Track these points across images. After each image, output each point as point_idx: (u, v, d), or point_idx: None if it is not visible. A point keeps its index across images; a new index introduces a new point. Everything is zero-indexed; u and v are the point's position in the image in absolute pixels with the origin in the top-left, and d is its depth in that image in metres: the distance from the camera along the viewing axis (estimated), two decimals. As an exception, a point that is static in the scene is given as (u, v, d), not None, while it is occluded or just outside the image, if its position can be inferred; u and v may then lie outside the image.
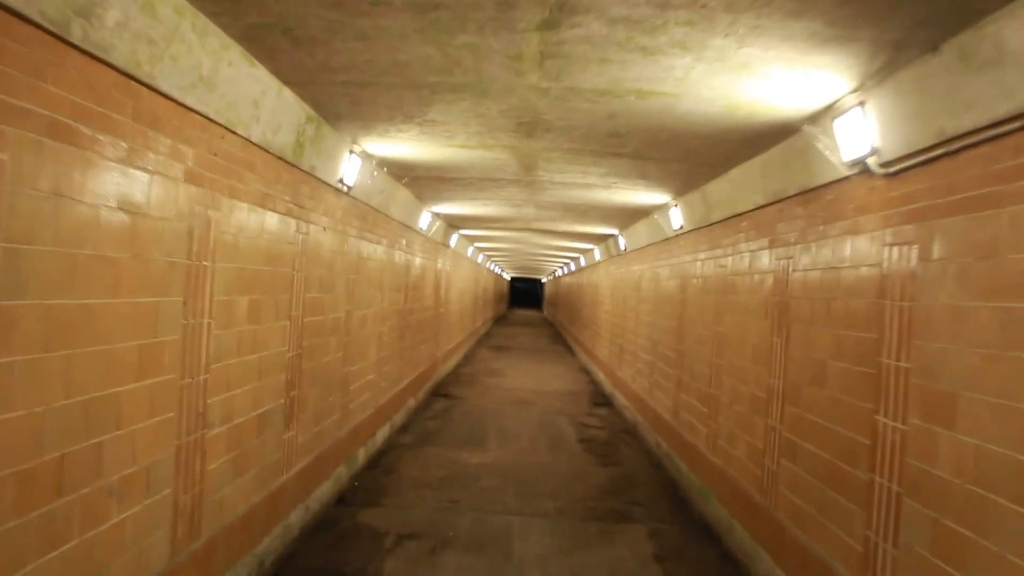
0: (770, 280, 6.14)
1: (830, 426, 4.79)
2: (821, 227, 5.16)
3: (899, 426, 3.93)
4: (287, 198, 5.75)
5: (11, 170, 2.75)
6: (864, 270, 4.46)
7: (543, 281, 59.89)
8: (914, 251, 3.92)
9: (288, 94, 5.15)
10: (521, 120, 5.70)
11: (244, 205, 4.92)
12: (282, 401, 5.89)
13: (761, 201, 6.41)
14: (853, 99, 4.32)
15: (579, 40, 3.85)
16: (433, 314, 15.03)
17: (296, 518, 6.33)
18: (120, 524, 3.59)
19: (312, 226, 6.43)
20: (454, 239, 16.85)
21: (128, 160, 3.51)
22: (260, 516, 5.51)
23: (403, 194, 9.92)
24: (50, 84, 2.93)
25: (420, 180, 9.21)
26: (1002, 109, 3.12)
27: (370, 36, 3.96)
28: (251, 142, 4.92)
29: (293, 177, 5.84)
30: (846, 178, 4.74)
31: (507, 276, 55.09)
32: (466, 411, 13.41)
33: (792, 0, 3.18)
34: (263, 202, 5.27)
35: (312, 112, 5.68)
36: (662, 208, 9.96)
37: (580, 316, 25.01)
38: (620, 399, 14.20)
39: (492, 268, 35.48)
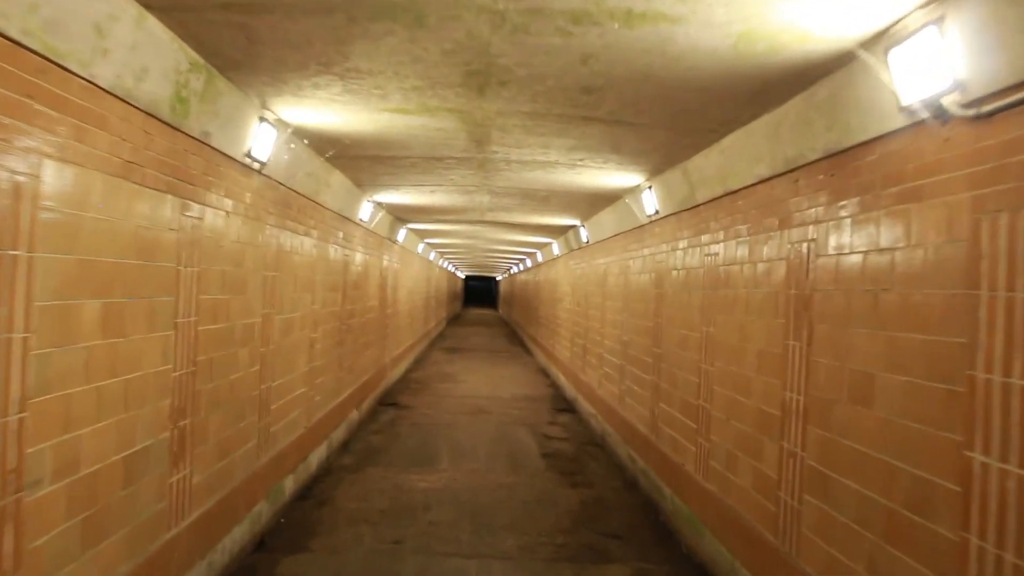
0: (781, 270, 4.98)
1: (885, 459, 3.63)
2: (862, 197, 4.00)
3: (1014, 470, 2.77)
4: (166, 170, 4.39)
5: None
6: (938, 250, 3.30)
7: (498, 279, 58.77)
8: (1030, 221, 2.76)
9: (155, 25, 3.80)
10: (470, 67, 4.44)
11: (90, 173, 3.57)
12: (166, 435, 4.54)
13: (766, 173, 5.25)
14: (924, 15, 3.15)
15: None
16: (379, 316, 13.67)
17: (193, 580, 4.99)
18: None
19: (209, 210, 5.08)
20: (402, 234, 15.50)
21: None
22: (133, 590, 4.16)
23: (337, 179, 8.58)
24: None
25: (355, 161, 7.88)
26: None
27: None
28: (97, 87, 3.57)
29: (176, 144, 4.49)
30: (904, 129, 3.58)
31: (461, 275, 53.76)
32: (415, 423, 12.10)
33: None
34: (125, 173, 3.92)
35: (197, 57, 4.34)
36: (633, 191, 8.79)
37: (537, 315, 23.82)
38: (584, 405, 13.03)
39: (445, 266, 34.12)
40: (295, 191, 7.23)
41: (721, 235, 6.27)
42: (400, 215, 13.48)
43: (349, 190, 9.43)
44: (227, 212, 5.44)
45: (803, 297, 4.63)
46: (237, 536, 5.87)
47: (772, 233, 5.18)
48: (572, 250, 15.66)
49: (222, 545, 5.55)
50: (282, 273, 6.98)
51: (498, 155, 7.28)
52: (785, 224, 4.96)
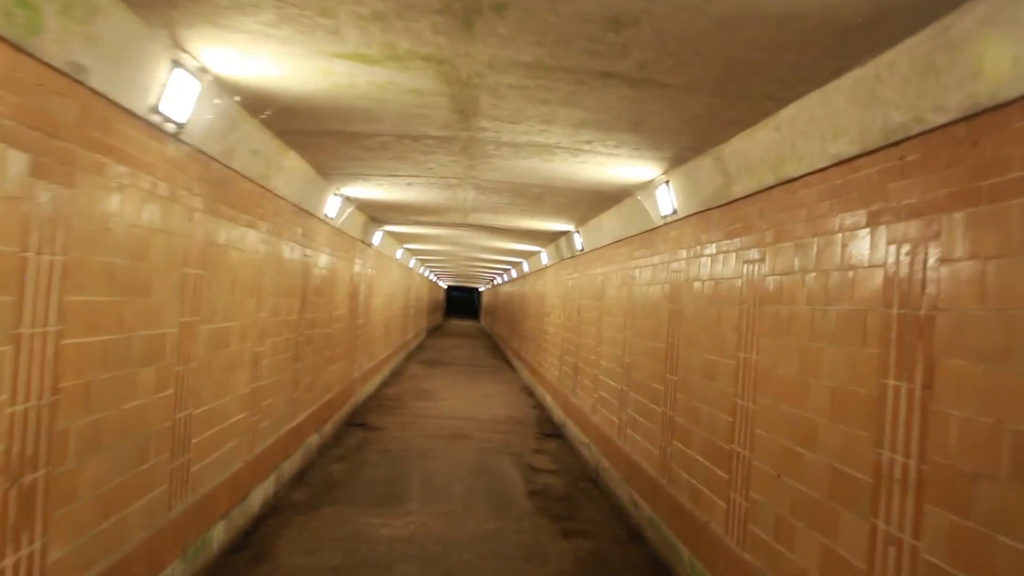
0: (874, 280, 3.63)
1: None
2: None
3: None
4: None
5: None
6: None
7: (480, 290, 57.45)
8: None
9: None
10: (454, -23, 3.08)
11: None
12: (-4, 497, 3.12)
13: (849, 150, 3.91)
14: None
15: None
16: (348, 326, 12.24)
17: None
18: None
19: (87, 177, 3.67)
20: (377, 237, 14.09)
21: None
22: None
23: (294, 163, 7.18)
24: None
25: (314, 140, 6.49)
26: None
27: None
28: None
29: (18, 72, 3.09)
30: None
31: (443, 284, 52.34)
32: (385, 448, 10.65)
33: None
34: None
35: (52, -55, 2.95)
36: (646, 188, 7.44)
37: (522, 328, 22.43)
38: (574, 430, 11.64)
39: (426, 275, 32.69)
40: (235, 171, 5.82)
41: (770, 236, 4.92)
42: (375, 214, 12.08)
43: (310, 179, 8.02)
44: (122, 185, 4.03)
45: (914, 320, 3.28)
46: (130, 617, 4.43)
47: (858, 232, 3.83)
48: (564, 259, 14.30)
49: (104, 634, 4.11)
50: (213, 272, 5.56)
51: (487, 133, 5.91)
52: (881, 218, 3.62)
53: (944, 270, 3.12)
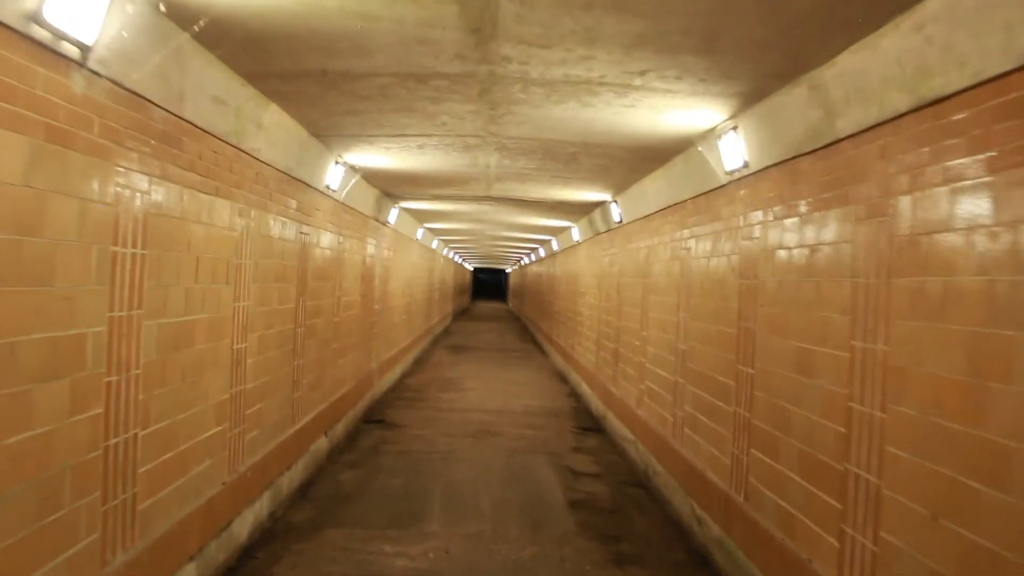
0: None
1: None
2: None
3: None
4: None
5: None
6: None
7: (507, 272, 56.24)
8: None
9: None
10: None
11: None
12: None
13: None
14: None
15: None
16: (361, 313, 11.02)
17: None
18: None
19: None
20: (393, 214, 12.83)
21: None
22: None
23: (276, 119, 5.92)
24: None
25: (296, 84, 5.23)
26: None
27: None
28: None
29: None
30: None
31: (469, 267, 51.16)
32: (404, 450, 9.45)
33: None
34: None
35: None
36: (705, 139, 6.09)
37: (552, 310, 21.12)
38: (616, 424, 10.35)
39: (451, 256, 31.47)
40: (190, 123, 4.57)
41: (902, 182, 3.57)
42: (387, 188, 10.82)
43: (303, 142, 6.77)
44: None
45: None
46: None
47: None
48: (598, 233, 12.95)
49: None
50: (164, 252, 4.33)
51: (511, 66, 4.59)
52: None
53: None
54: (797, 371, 4.66)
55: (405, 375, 16.24)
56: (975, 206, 3.04)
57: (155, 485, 4.33)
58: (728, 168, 5.87)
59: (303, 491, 7.53)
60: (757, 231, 5.46)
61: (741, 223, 5.83)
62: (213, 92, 4.71)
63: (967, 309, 3.05)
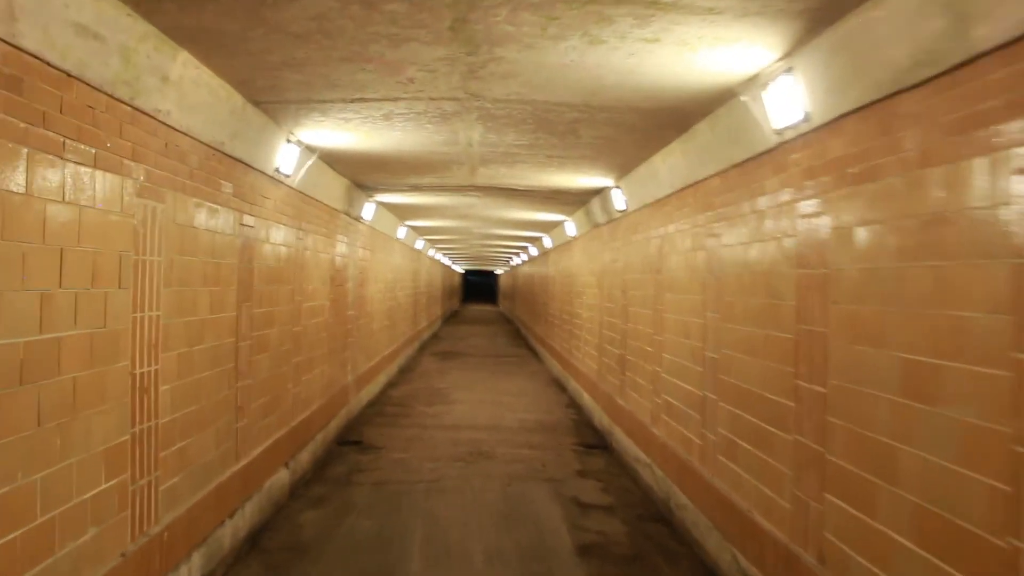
0: None
1: None
2: None
3: None
4: None
5: None
6: None
7: (497, 273, 54.95)
8: None
9: None
10: None
11: None
12: None
13: None
14: None
15: None
16: (332, 320, 9.64)
17: None
18: None
19: None
20: (368, 210, 11.45)
21: None
22: None
23: (190, 71, 4.53)
24: None
25: (202, 17, 3.86)
26: None
27: None
28: None
29: None
30: None
31: (459, 269, 49.75)
32: (380, 480, 8.07)
33: None
34: None
35: None
36: (747, 87, 4.74)
37: (547, 312, 19.76)
38: (626, 442, 9.00)
39: (438, 258, 30.06)
40: (36, 57, 3.19)
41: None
42: (357, 177, 9.45)
43: (235, 108, 5.39)
44: None
45: None
46: None
47: None
48: (597, 225, 11.60)
49: None
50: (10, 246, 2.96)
51: (494, -29, 3.24)
52: None
53: None
54: (904, 394, 3.31)
55: (389, 385, 14.86)
56: None
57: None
58: (778, 126, 4.53)
59: (253, 540, 6.15)
60: (825, 205, 4.12)
61: (791, 199, 4.49)
62: (76, 18, 3.34)
63: None
